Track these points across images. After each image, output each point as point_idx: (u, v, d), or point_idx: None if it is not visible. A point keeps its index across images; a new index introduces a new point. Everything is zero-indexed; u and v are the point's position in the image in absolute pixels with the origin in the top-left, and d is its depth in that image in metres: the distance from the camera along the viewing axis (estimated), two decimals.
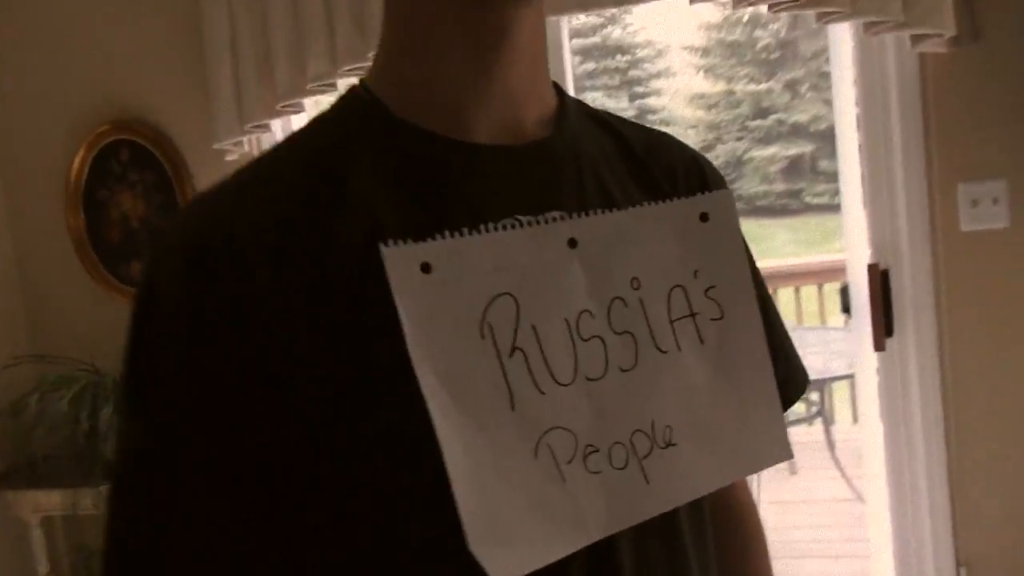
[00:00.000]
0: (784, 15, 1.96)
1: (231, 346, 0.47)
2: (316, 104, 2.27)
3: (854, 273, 2.14)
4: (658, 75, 16.63)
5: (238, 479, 0.47)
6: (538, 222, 0.50)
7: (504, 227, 0.49)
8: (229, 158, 2.33)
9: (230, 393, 0.47)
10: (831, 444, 3.59)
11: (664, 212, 0.54)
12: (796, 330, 4.10)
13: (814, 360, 3.31)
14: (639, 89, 15.76)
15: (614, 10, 2.20)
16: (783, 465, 3.78)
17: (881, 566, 2.26)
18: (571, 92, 0.71)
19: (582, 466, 0.48)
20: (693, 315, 0.53)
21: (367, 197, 0.50)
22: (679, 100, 16.54)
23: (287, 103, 2.16)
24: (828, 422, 3.76)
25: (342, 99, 0.57)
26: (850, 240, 2.18)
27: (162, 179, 2.46)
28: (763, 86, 16.33)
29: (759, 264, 0.64)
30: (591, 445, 0.49)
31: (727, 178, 0.65)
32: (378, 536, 0.48)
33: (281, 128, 2.35)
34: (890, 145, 2.03)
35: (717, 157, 15.97)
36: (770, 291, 0.67)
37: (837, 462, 3.54)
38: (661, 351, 0.52)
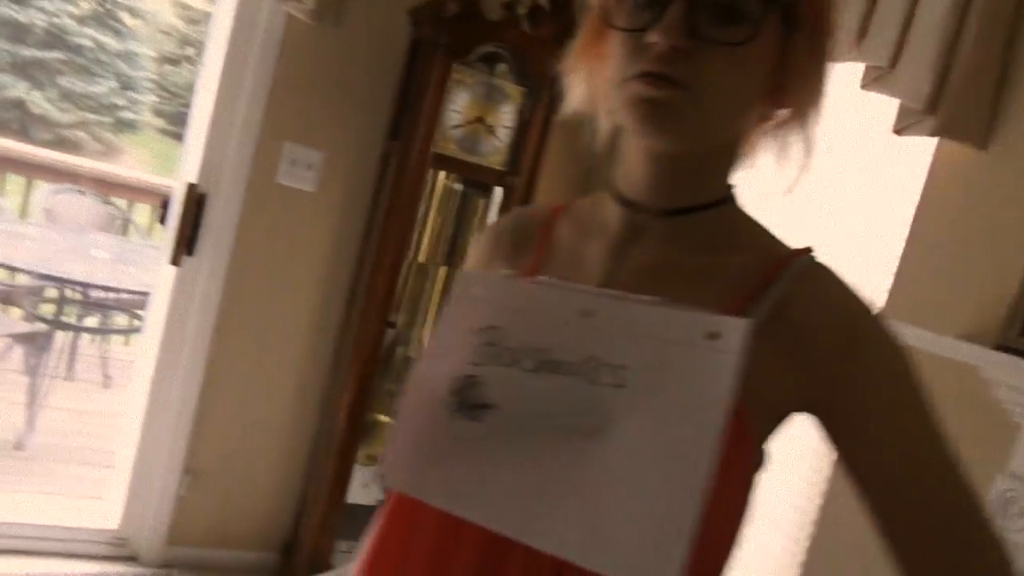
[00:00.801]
0: None
1: None
2: None
3: (178, 194, 2.21)
4: None
5: None
6: None
7: None
8: None
9: None
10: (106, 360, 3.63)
11: None
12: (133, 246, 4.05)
13: (139, 274, 3.30)
14: None
15: None
16: (98, 378, 3.67)
17: (120, 471, 2.35)
18: None
19: None
20: None
21: None
22: None
23: None
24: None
25: None
26: (186, 164, 2.25)
27: None
28: None
29: None
30: None
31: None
32: None
33: None
34: (239, 89, 2.16)
35: (168, 77, 15.00)
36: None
37: (108, 377, 3.59)
38: None
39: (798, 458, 1.59)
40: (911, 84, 1.42)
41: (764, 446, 0.66)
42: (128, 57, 12.63)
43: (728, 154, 0.68)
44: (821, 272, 0.67)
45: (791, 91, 0.66)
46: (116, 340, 4.13)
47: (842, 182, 1.69)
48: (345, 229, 2.31)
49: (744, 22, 0.61)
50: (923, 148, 1.51)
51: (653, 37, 0.60)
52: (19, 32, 11.21)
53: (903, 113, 1.46)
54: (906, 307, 1.45)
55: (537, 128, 2.18)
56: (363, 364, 2.16)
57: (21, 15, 11.09)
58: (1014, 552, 0.65)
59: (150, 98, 13.05)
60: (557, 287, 0.67)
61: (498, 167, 2.21)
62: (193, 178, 2.17)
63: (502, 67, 2.20)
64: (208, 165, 2.18)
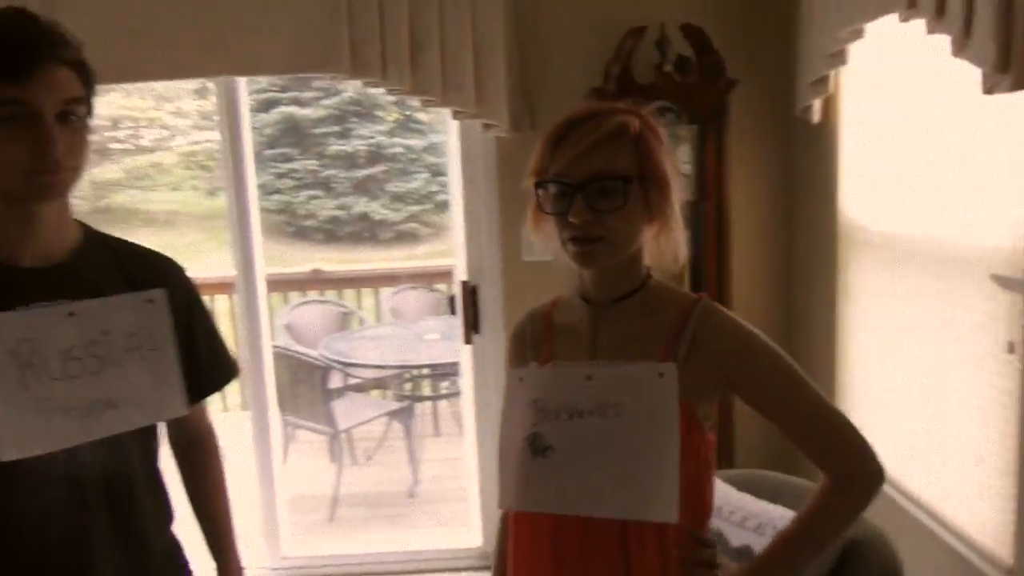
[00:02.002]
0: None
1: None
2: None
3: (457, 291, 2.91)
4: None
5: None
6: (50, 305, 1.10)
7: (28, 307, 1.08)
8: None
9: None
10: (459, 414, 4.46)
11: (127, 299, 1.15)
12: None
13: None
14: None
15: None
16: (457, 431, 4.58)
17: (471, 499, 3.08)
18: None
19: (62, 415, 1.08)
20: (140, 347, 1.15)
21: None
22: None
23: None
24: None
25: None
26: (456, 264, 2.94)
27: None
28: None
29: None
30: (71, 407, 1.09)
31: None
32: None
33: None
34: (478, 199, 2.80)
35: None
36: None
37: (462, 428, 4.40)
38: (117, 364, 1.13)
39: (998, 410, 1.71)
40: (979, 50, 1.54)
41: (707, 415, 1.12)
42: (431, 149, 14.67)
43: (636, 258, 1.15)
44: (711, 310, 1.14)
45: (656, 214, 1.11)
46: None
47: (972, 144, 1.79)
48: None
49: (618, 194, 1.06)
50: None
51: (572, 219, 1.07)
52: (350, 160, 13.72)
53: (985, 75, 1.57)
54: None
55: (713, 156, 2.49)
56: None
57: (348, 146, 13.58)
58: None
59: None
60: (566, 365, 1.16)
61: (690, 198, 2.55)
62: (464, 276, 2.85)
63: (670, 116, 2.55)
64: (472, 264, 2.84)
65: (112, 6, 2.48)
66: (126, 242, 1.26)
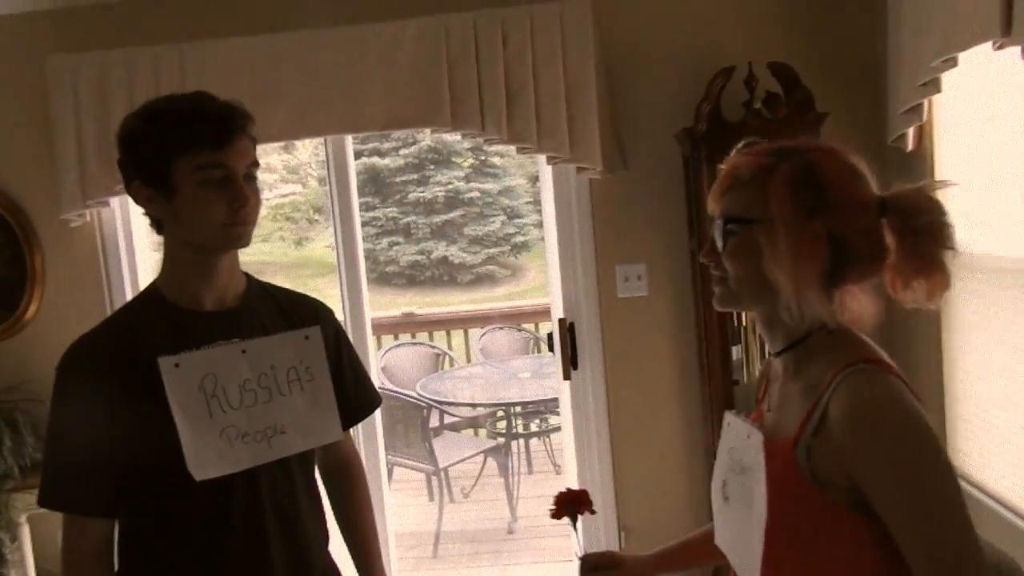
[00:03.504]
0: None
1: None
2: None
3: (555, 328, 3.00)
4: None
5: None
6: (227, 343, 1.24)
7: (210, 346, 1.23)
8: (73, 225, 2.89)
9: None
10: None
11: (288, 336, 1.29)
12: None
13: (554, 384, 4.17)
14: None
15: None
16: (550, 468, 4.64)
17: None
18: None
19: (241, 440, 1.22)
20: (300, 379, 1.28)
21: (152, 337, 1.22)
22: None
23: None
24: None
25: (144, 290, 1.28)
26: (552, 302, 3.04)
27: (11, 239, 2.97)
28: None
29: None
30: (247, 433, 1.22)
31: None
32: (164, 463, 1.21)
33: (119, 204, 2.93)
34: (572, 239, 2.90)
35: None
36: None
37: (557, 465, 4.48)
38: (282, 394, 1.26)
39: None
40: None
41: (839, 500, 0.99)
42: (507, 192, 14.94)
43: (790, 311, 1.04)
44: (851, 380, 0.99)
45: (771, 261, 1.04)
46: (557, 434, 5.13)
47: None
48: (678, 314, 2.87)
49: (724, 236, 1.07)
50: None
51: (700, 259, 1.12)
52: (429, 206, 14.11)
53: None
54: None
55: None
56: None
57: (427, 193, 13.98)
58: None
59: (533, 217, 15.29)
60: (740, 421, 1.15)
61: None
62: (561, 314, 2.95)
63: None
64: (568, 302, 2.93)
65: (236, 74, 2.71)
66: (280, 287, 1.41)
